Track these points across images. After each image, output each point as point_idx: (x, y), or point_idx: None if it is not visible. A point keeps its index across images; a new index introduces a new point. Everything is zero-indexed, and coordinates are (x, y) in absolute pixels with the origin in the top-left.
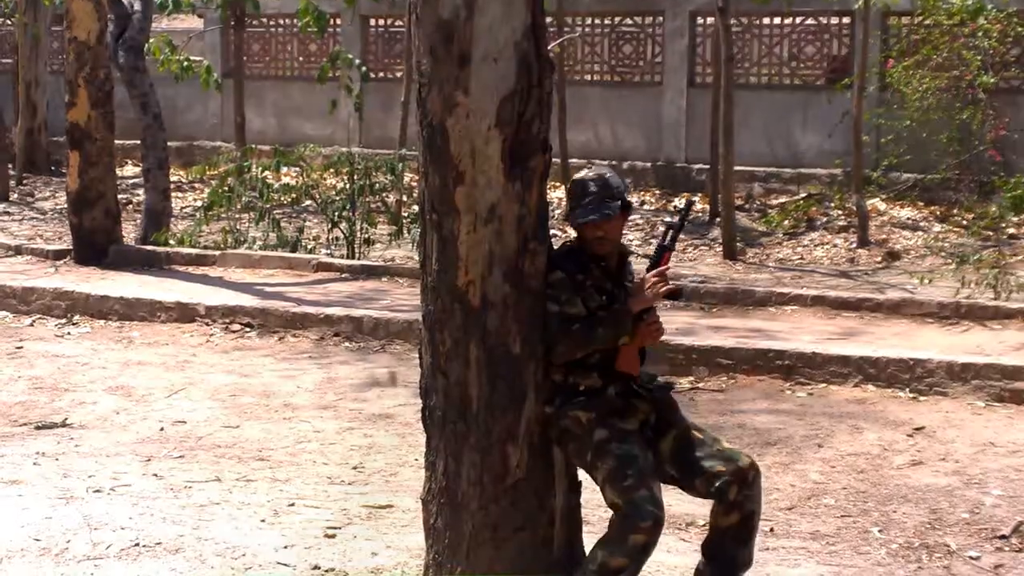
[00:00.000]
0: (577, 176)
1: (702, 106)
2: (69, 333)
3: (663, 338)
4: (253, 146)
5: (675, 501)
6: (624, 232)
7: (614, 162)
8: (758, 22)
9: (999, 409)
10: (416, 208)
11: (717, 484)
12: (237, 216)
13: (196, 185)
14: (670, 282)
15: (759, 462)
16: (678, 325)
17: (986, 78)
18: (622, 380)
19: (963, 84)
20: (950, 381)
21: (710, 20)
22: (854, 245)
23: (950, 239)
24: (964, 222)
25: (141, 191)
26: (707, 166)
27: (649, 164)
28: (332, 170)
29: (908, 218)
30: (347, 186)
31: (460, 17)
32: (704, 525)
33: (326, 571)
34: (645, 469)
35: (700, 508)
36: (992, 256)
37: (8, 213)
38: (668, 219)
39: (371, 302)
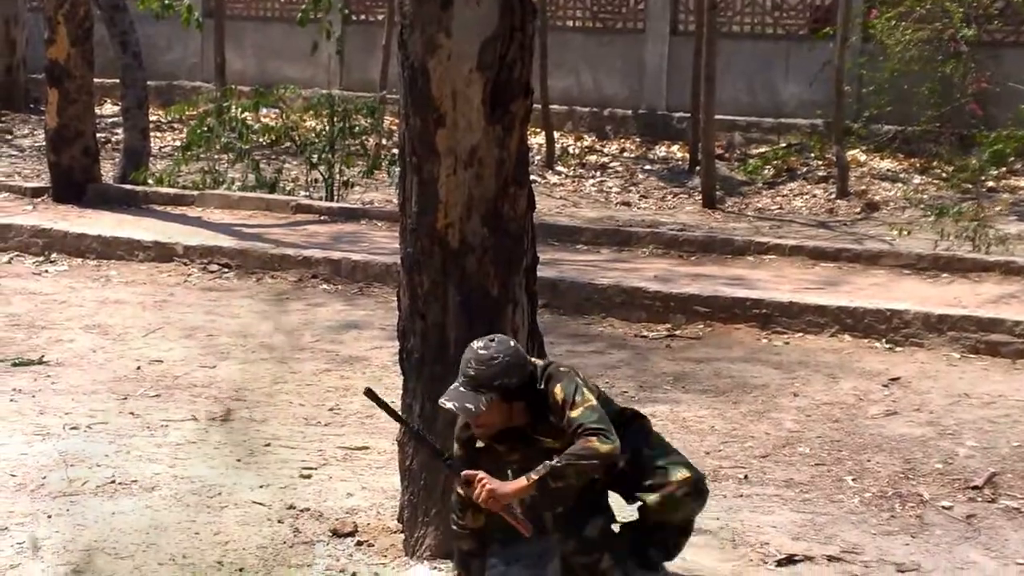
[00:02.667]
0: (475, 344)
1: (684, 54)
2: (46, 271)
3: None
4: (233, 87)
5: None
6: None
7: (595, 109)
8: None
9: (974, 361)
10: (396, 151)
11: None
12: (216, 157)
13: (175, 125)
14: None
15: (734, 410)
16: (656, 272)
17: (968, 31)
18: None
19: (945, 36)
20: (926, 332)
21: None
22: (833, 196)
23: (929, 191)
24: (944, 175)
25: (120, 130)
26: (688, 114)
27: (630, 112)
28: (312, 112)
29: (888, 169)
30: (327, 128)
31: None
32: None
33: (301, 511)
34: None
35: None
36: (971, 209)
37: None
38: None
39: (350, 244)
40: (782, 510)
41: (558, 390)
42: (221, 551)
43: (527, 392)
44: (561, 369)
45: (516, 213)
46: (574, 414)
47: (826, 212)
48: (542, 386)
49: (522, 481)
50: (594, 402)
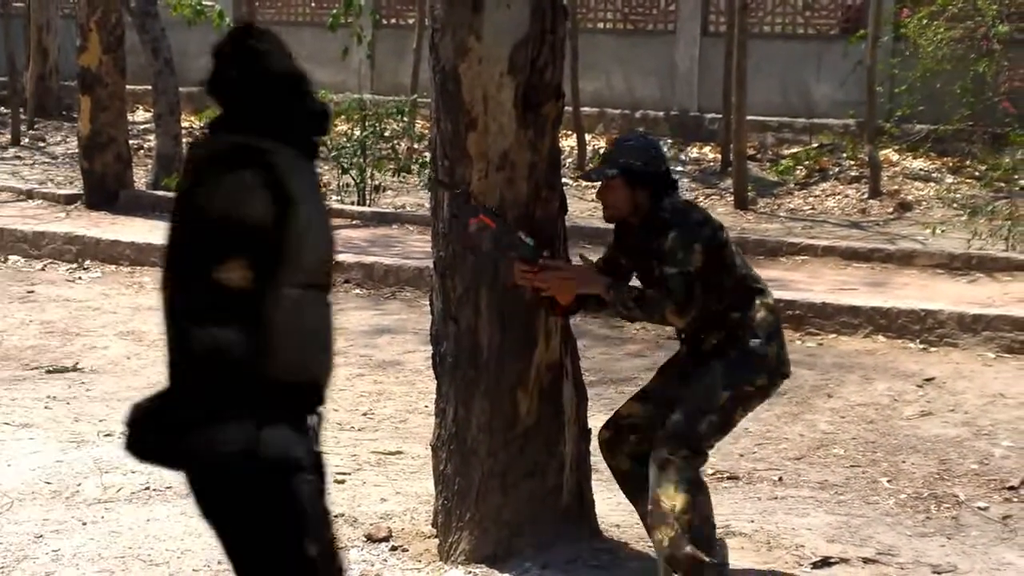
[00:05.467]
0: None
1: (715, 55)
2: (80, 278)
3: None
4: None
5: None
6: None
7: (626, 111)
8: None
9: (1009, 360)
10: (427, 155)
11: None
12: None
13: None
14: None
15: (768, 412)
16: None
17: (1001, 28)
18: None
19: (978, 35)
20: (960, 332)
21: None
22: (866, 196)
23: (962, 190)
24: (977, 173)
25: (152, 136)
26: (720, 115)
27: (662, 113)
28: (343, 117)
29: (920, 169)
30: (358, 133)
31: None
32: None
33: (335, 516)
34: None
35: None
36: (1004, 208)
37: (19, 157)
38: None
39: (382, 249)
40: (817, 512)
41: (671, 239)
42: None
43: (652, 184)
44: (690, 219)
45: (548, 216)
46: (669, 270)
47: (858, 212)
48: (666, 215)
49: (598, 288)
50: (691, 269)
